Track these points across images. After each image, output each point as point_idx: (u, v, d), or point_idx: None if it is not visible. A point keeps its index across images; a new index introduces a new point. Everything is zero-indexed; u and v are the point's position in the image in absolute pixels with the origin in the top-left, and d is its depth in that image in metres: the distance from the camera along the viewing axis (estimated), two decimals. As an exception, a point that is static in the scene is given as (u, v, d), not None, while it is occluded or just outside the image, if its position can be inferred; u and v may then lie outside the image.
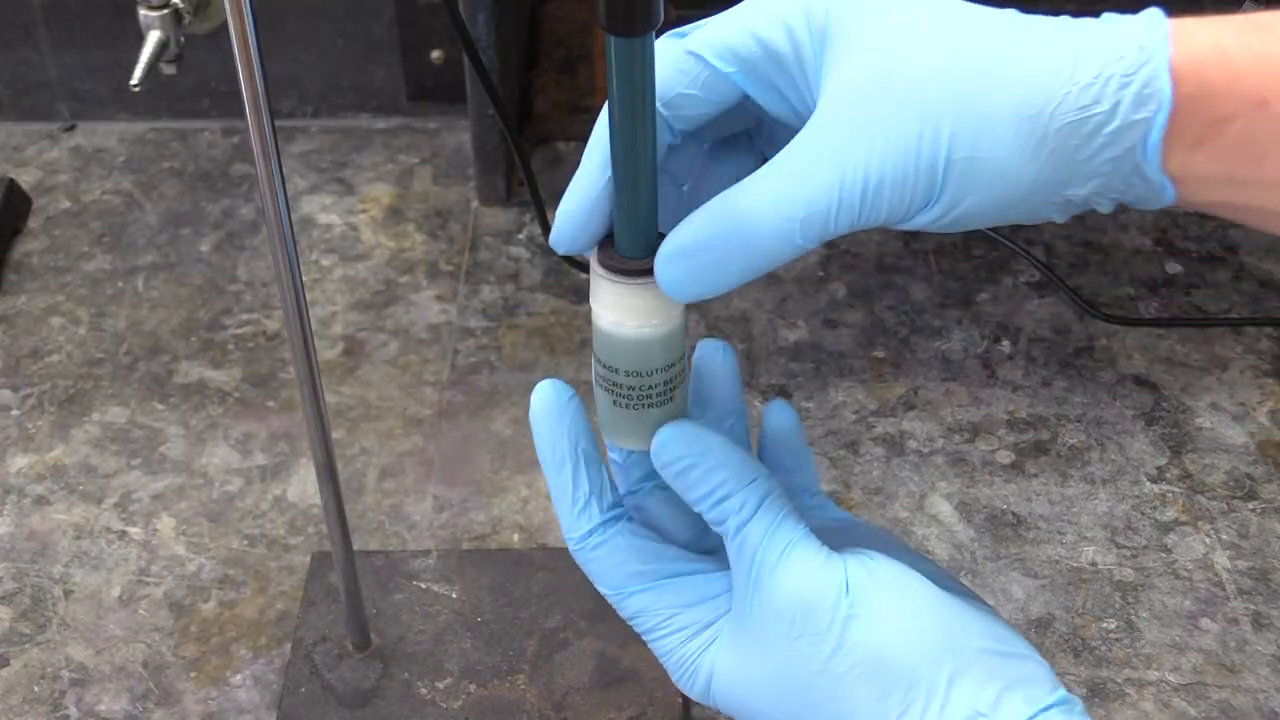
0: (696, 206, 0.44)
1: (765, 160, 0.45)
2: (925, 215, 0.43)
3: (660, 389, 0.48)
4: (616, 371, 0.48)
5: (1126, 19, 0.42)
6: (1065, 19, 0.43)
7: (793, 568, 0.46)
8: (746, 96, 0.45)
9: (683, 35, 0.44)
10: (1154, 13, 0.42)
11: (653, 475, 0.51)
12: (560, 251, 0.46)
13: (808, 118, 0.44)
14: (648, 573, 0.49)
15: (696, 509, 0.48)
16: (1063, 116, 0.41)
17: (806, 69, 0.43)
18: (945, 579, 0.49)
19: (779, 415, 0.52)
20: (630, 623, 0.50)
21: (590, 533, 0.49)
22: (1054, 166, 0.42)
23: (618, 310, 0.46)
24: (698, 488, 0.47)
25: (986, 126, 0.41)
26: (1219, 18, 0.42)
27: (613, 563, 0.50)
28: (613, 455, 0.52)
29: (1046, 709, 0.44)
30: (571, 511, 0.49)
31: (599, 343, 0.48)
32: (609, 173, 0.45)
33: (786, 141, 0.46)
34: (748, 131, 0.49)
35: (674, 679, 0.50)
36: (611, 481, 0.50)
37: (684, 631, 0.49)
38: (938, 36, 0.42)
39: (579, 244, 0.46)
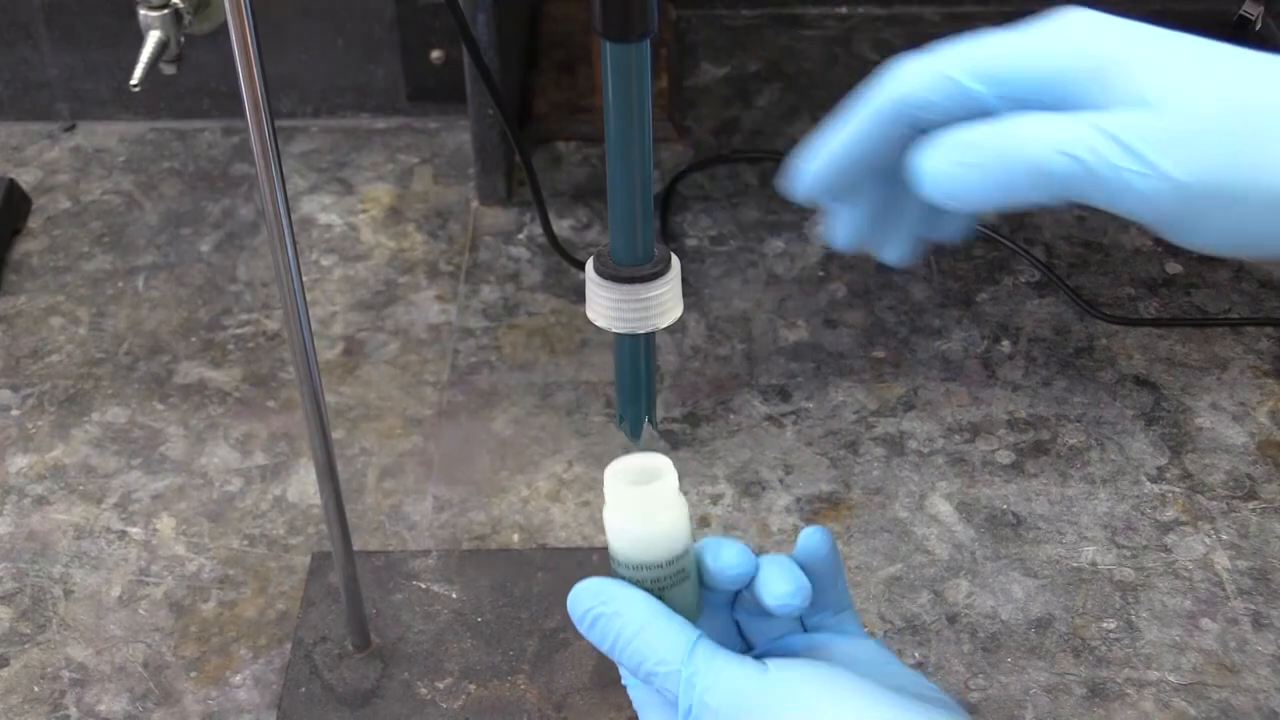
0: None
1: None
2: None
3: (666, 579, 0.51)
4: (622, 565, 0.51)
5: None
6: None
7: (713, 699, 0.49)
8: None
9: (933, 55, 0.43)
10: None
11: None
12: (800, 197, 0.46)
13: None
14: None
15: (616, 660, 0.51)
16: None
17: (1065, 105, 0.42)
18: (920, 683, 0.51)
19: (807, 542, 0.53)
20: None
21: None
22: None
23: (623, 512, 0.50)
24: (605, 640, 0.51)
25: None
26: None
27: None
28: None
29: None
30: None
31: (612, 541, 0.51)
32: (866, 143, 0.44)
33: None
34: None
35: None
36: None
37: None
38: (1217, 101, 0.40)
39: (818, 189, 0.46)
